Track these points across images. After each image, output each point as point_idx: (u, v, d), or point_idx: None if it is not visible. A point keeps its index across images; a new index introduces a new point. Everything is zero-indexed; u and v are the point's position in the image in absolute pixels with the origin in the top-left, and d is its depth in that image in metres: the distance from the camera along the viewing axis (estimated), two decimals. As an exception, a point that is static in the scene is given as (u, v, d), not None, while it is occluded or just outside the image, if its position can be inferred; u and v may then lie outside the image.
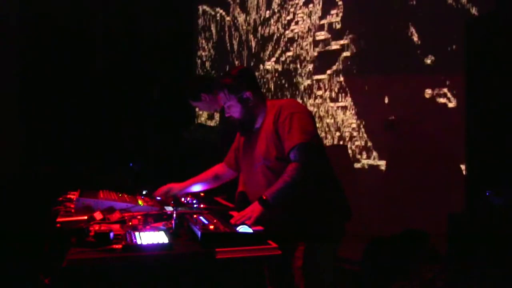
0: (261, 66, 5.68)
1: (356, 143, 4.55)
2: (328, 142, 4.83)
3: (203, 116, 6.70)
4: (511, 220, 3.11)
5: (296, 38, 5.23)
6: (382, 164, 4.36)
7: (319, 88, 4.95)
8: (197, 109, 6.73)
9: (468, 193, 3.54)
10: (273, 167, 2.42)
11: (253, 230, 2.07)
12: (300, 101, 5.19)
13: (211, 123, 6.26)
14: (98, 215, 2.22)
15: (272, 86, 5.53)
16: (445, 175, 3.91)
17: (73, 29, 6.02)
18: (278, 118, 2.42)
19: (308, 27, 5.10)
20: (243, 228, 2.06)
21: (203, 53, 6.65)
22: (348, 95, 4.67)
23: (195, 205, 2.64)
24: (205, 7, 6.63)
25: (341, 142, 4.68)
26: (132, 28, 6.26)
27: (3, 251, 4.10)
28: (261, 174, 2.47)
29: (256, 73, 5.72)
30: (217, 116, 6.34)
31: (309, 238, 2.39)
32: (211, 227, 2.03)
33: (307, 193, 2.36)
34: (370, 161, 4.45)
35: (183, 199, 2.78)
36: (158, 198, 2.79)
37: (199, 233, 1.95)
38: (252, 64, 5.83)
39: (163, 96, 6.38)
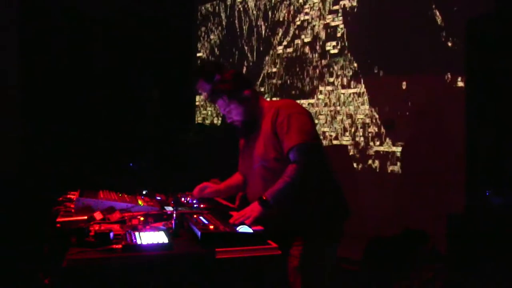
0: (271, 52, 5.65)
1: (369, 129, 4.54)
2: (338, 128, 4.79)
3: (200, 118, 6.70)
4: (511, 220, 3.11)
5: (308, 22, 5.20)
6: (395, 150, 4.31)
7: (330, 75, 4.93)
8: (197, 104, 6.74)
9: (468, 193, 3.54)
10: (272, 168, 2.42)
11: (253, 230, 2.07)
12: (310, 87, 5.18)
13: (217, 122, 6.25)
14: (98, 215, 2.22)
15: (283, 72, 5.50)
16: (445, 175, 3.91)
17: (73, 29, 6.02)
18: (276, 119, 2.42)
19: (321, 11, 5.06)
20: (243, 228, 2.06)
21: (212, 39, 6.62)
22: (362, 82, 4.63)
23: (195, 205, 2.64)
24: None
25: (352, 130, 4.66)
26: (131, 27, 6.26)
27: (3, 251, 4.10)
28: (260, 175, 2.48)
29: (267, 58, 5.71)
30: (213, 112, 6.34)
31: (307, 237, 2.39)
32: (211, 227, 2.03)
33: (306, 192, 2.37)
34: (383, 148, 4.42)
35: (183, 199, 2.78)
36: (158, 198, 2.79)
37: (199, 233, 1.95)
38: (261, 49, 5.81)
39: (163, 95, 6.39)
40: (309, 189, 2.37)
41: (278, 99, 5.26)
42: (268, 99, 2.77)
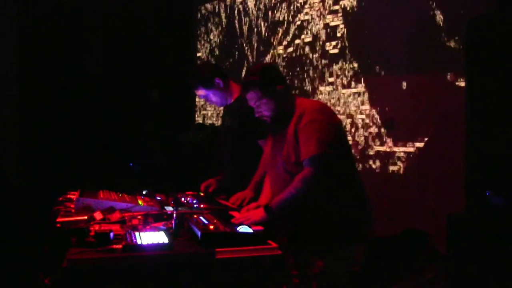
0: (272, 52, 5.63)
1: (369, 130, 4.52)
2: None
3: (200, 118, 6.69)
4: (511, 220, 3.11)
5: (308, 22, 5.17)
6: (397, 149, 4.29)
7: (330, 75, 4.91)
8: (197, 103, 6.74)
9: (468, 193, 3.53)
10: (292, 171, 2.37)
11: (253, 230, 2.07)
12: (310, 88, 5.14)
13: (217, 123, 6.24)
14: (98, 215, 2.22)
15: (283, 72, 5.46)
16: (445, 175, 3.91)
17: (72, 29, 6.02)
18: (300, 122, 2.34)
19: (320, 11, 5.04)
20: (243, 228, 2.06)
21: (212, 39, 6.60)
22: (362, 82, 4.59)
23: (195, 205, 2.64)
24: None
25: (353, 130, 4.64)
26: (131, 27, 6.26)
27: (3, 251, 4.10)
28: (281, 176, 2.44)
29: (267, 58, 5.67)
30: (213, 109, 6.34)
31: (327, 245, 2.35)
32: (211, 227, 2.03)
33: (323, 201, 2.33)
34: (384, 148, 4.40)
35: (183, 199, 2.78)
36: (158, 198, 2.79)
37: (199, 233, 1.95)
38: (262, 49, 5.78)
39: (163, 96, 6.39)
40: (326, 199, 2.33)
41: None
42: (302, 98, 2.61)
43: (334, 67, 4.88)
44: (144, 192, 2.84)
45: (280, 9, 5.54)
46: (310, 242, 2.38)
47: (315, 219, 2.36)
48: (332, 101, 4.87)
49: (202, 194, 3.02)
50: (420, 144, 4.14)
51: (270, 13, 5.68)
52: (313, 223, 2.37)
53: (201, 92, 3.16)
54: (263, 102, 2.43)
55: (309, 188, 2.27)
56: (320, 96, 5.01)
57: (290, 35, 5.40)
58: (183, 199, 2.78)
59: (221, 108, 3.34)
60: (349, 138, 4.69)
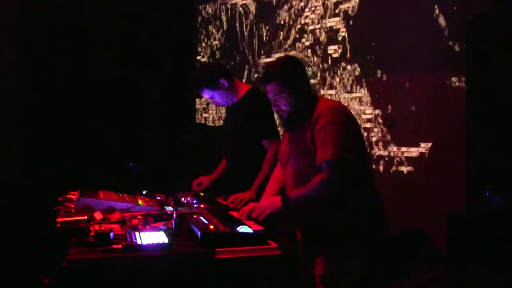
0: (273, 55, 5.61)
1: (371, 132, 4.51)
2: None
3: (202, 120, 6.69)
4: (511, 220, 3.11)
5: (309, 26, 5.16)
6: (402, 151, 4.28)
7: (332, 79, 4.90)
8: (198, 106, 6.74)
9: (468, 193, 3.53)
10: (305, 172, 2.33)
11: (253, 230, 2.07)
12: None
13: (218, 123, 6.23)
14: (98, 215, 2.22)
15: None
16: (445, 175, 3.91)
17: (73, 30, 6.02)
18: (316, 124, 2.28)
19: (322, 15, 5.02)
20: (243, 228, 2.06)
21: (214, 42, 6.60)
22: (364, 86, 4.59)
23: (195, 205, 2.64)
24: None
25: None
26: (131, 28, 6.27)
27: (3, 251, 4.10)
28: (293, 175, 2.41)
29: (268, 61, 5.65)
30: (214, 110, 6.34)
31: (335, 246, 2.34)
32: (211, 227, 2.04)
33: (337, 204, 2.31)
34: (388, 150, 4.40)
35: (183, 199, 2.78)
36: (158, 198, 2.79)
37: (199, 233, 1.95)
38: (263, 52, 5.78)
39: (163, 96, 6.39)
40: (339, 202, 2.31)
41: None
42: (323, 97, 2.56)
43: (335, 70, 4.88)
44: (144, 192, 2.84)
45: (281, 13, 5.53)
46: (317, 242, 2.38)
47: (325, 220, 2.35)
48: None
49: (202, 194, 3.02)
50: (420, 145, 4.14)
51: (271, 16, 5.66)
52: (323, 224, 2.35)
53: (206, 93, 3.13)
54: (282, 96, 2.35)
55: (325, 191, 2.24)
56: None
57: (291, 38, 5.39)
58: (183, 199, 2.78)
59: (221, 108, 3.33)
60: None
